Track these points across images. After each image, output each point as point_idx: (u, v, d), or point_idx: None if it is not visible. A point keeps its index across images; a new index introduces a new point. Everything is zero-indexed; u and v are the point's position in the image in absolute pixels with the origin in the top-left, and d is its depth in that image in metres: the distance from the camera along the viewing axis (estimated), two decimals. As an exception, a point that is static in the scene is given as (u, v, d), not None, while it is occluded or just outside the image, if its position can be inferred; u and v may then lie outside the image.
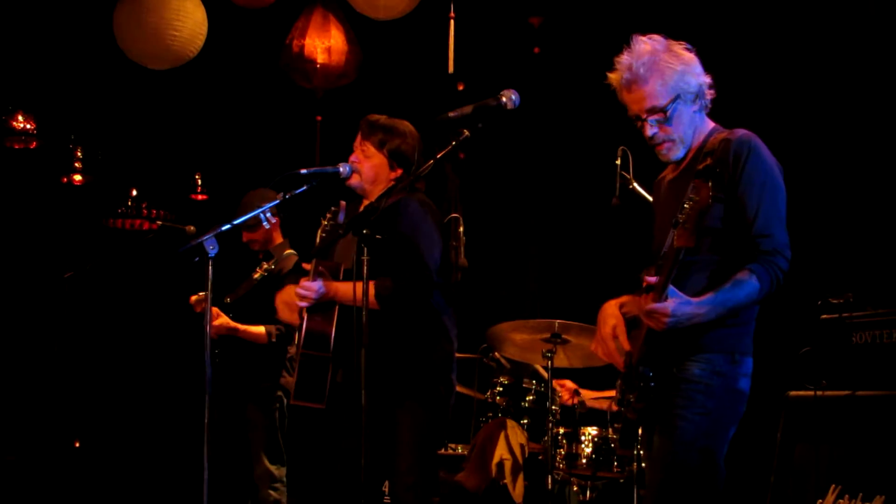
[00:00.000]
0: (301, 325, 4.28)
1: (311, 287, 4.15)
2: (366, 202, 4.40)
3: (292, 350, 5.80)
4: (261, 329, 5.92)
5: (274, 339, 5.93)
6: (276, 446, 6.07)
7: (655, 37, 3.47)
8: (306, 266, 4.31)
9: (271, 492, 6.03)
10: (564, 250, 7.56)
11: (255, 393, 6.07)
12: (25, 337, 7.96)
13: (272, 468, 6.04)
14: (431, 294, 4.30)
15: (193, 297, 5.89)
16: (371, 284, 4.06)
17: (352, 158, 4.44)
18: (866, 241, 5.69)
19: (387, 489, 4.96)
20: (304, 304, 4.20)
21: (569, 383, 5.95)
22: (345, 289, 4.13)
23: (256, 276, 5.74)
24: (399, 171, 4.39)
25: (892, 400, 4.47)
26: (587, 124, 7.11)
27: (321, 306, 4.19)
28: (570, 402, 5.85)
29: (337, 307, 4.22)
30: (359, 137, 4.47)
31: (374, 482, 4.43)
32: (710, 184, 2.94)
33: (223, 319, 5.83)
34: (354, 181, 4.41)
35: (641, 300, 3.25)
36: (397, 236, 4.21)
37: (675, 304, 3.17)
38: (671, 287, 3.16)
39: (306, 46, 6.77)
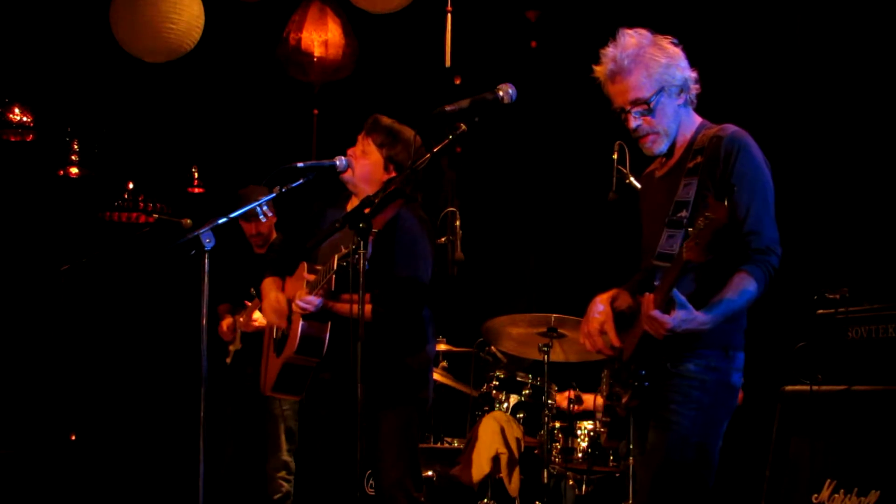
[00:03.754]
0: (293, 327, 4.29)
1: (312, 301, 4.18)
2: (354, 199, 4.41)
3: None
4: None
5: None
6: (293, 436, 6.16)
7: (642, 31, 3.48)
8: (308, 277, 4.31)
9: (284, 483, 6.12)
10: (561, 245, 7.55)
11: None
12: (21, 330, 7.94)
13: (288, 458, 6.14)
14: (423, 309, 4.37)
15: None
16: (367, 300, 4.12)
17: (350, 151, 4.44)
18: (862, 237, 5.69)
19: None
20: (303, 313, 4.23)
21: (568, 393, 5.94)
22: (342, 304, 4.19)
23: None
24: (394, 173, 4.39)
25: (887, 395, 4.48)
26: (584, 118, 7.09)
27: (317, 315, 4.23)
28: (566, 409, 5.86)
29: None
30: (362, 132, 4.47)
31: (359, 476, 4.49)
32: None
33: (260, 314, 5.91)
34: (347, 176, 4.42)
35: (644, 301, 3.24)
36: (395, 252, 4.25)
37: (678, 320, 3.16)
38: (681, 297, 3.15)
39: (303, 40, 6.77)
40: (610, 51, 3.46)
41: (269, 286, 4.51)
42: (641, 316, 3.26)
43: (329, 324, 4.25)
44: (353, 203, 4.44)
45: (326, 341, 4.24)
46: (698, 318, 3.19)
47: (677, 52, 3.48)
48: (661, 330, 3.18)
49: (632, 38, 3.45)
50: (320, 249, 4.40)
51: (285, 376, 4.35)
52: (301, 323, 4.24)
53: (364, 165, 4.41)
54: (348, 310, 4.08)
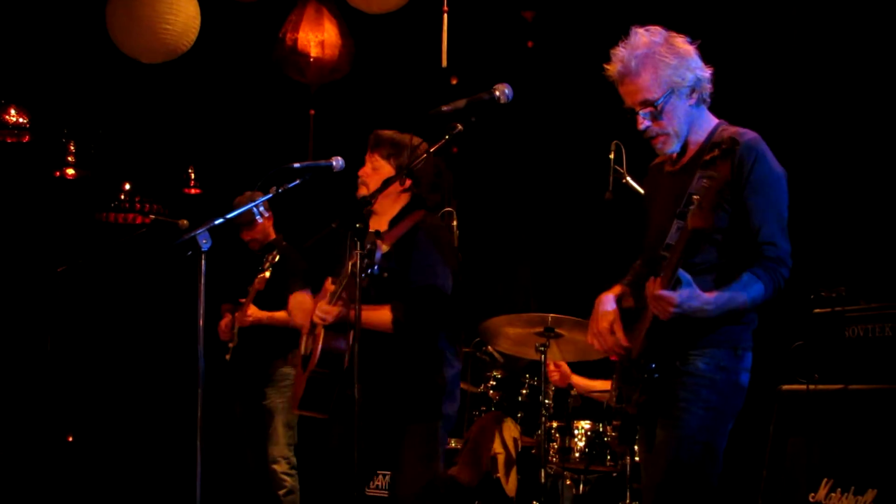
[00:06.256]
0: (316, 341, 4.29)
1: (332, 311, 4.18)
2: (374, 216, 4.42)
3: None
4: (286, 314, 6.14)
5: None
6: (292, 431, 6.19)
7: (655, 29, 3.44)
8: (330, 288, 4.31)
9: (286, 477, 6.16)
10: (558, 244, 7.56)
11: (273, 378, 6.23)
12: (18, 331, 7.94)
13: (288, 453, 6.18)
14: (444, 321, 4.34)
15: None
16: (387, 310, 4.17)
17: (360, 173, 4.43)
18: (859, 236, 5.69)
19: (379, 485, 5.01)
20: (321, 323, 4.24)
21: (564, 366, 5.91)
22: (363, 314, 4.16)
23: (266, 267, 6.00)
24: (407, 182, 4.38)
25: (884, 394, 4.48)
26: (581, 118, 7.10)
27: (338, 326, 4.23)
28: (559, 384, 5.82)
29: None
30: (368, 152, 4.47)
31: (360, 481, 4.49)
32: (729, 162, 2.89)
33: (254, 308, 6.08)
34: (363, 193, 4.40)
35: (650, 283, 3.24)
36: (413, 262, 4.25)
37: (685, 296, 3.15)
38: (686, 275, 3.14)
39: (300, 40, 6.76)
40: (620, 51, 3.43)
41: (298, 294, 4.49)
42: (648, 298, 3.24)
43: (350, 334, 4.21)
44: (374, 220, 4.42)
45: (348, 353, 4.23)
46: (702, 296, 3.18)
47: (689, 51, 3.43)
48: (668, 307, 3.16)
49: (643, 38, 3.41)
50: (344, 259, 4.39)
51: (311, 391, 4.31)
52: (323, 335, 4.25)
53: (377, 181, 4.37)
54: (369, 321, 4.12)
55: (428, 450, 4.30)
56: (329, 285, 4.33)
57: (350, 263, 3.91)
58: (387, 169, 4.37)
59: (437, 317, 4.29)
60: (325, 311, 4.19)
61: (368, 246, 3.71)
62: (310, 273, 6.26)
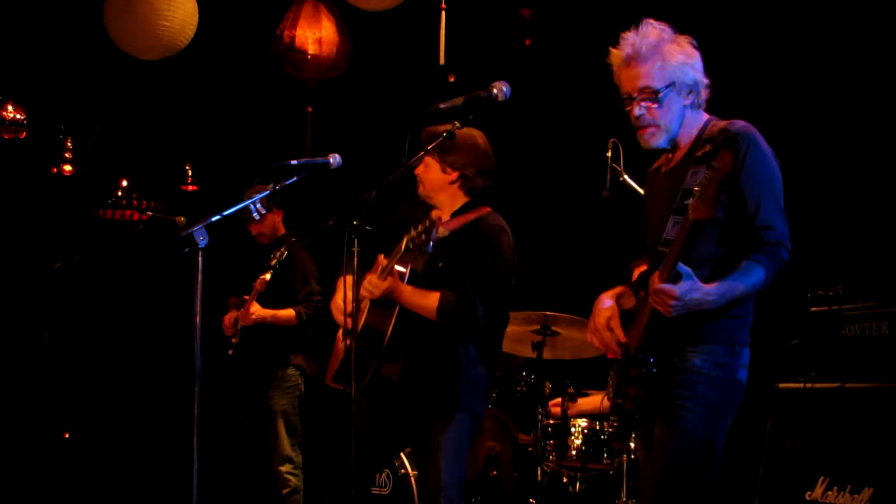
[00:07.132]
0: (359, 314, 4.29)
1: (380, 286, 4.17)
2: (435, 211, 4.42)
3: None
4: (290, 312, 6.18)
5: (304, 318, 6.19)
6: (295, 431, 6.18)
7: (664, 25, 3.48)
8: (382, 262, 4.31)
9: (290, 477, 6.19)
10: (554, 242, 7.55)
11: (276, 379, 6.24)
12: (14, 327, 7.93)
13: (292, 453, 6.18)
14: (487, 318, 4.32)
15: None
16: (436, 297, 4.19)
17: (415, 171, 4.43)
18: (856, 234, 5.70)
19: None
20: (368, 297, 4.23)
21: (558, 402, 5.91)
22: (409, 293, 4.21)
23: (273, 264, 5.97)
24: (455, 174, 4.40)
25: (881, 392, 4.49)
26: (578, 116, 7.10)
27: (384, 303, 4.23)
28: (560, 416, 5.84)
29: (398, 307, 4.25)
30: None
31: (364, 473, 4.48)
32: (731, 153, 2.90)
33: (257, 307, 6.08)
34: (420, 191, 4.47)
35: (652, 278, 3.24)
36: (470, 257, 4.27)
37: (685, 288, 3.15)
38: (686, 268, 3.15)
39: (297, 37, 6.75)
40: (630, 36, 3.46)
41: (341, 285, 4.49)
42: (649, 293, 3.24)
43: (394, 315, 4.23)
44: (435, 214, 4.44)
45: (389, 331, 4.22)
46: (703, 287, 3.19)
47: (694, 53, 3.48)
48: (669, 300, 3.16)
49: (654, 29, 3.45)
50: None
51: (348, 365, 4.31)
52: (367, 309, 4.25)
53: (429, 179, 4.43)
54: (415, 303, 4.17)
55: (456, 444, 4.29)
56: (382, 260, 4.33)
57: (405, 240, 3.92)
58: (434, 165, 4.39)
59: (483, 315, 4.26)
60: (374, 284, 4.18)
61: (427, 222, 3.75)
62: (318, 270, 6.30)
